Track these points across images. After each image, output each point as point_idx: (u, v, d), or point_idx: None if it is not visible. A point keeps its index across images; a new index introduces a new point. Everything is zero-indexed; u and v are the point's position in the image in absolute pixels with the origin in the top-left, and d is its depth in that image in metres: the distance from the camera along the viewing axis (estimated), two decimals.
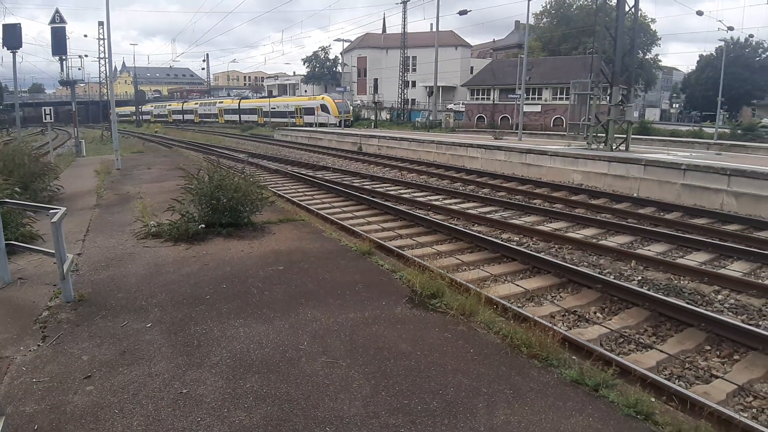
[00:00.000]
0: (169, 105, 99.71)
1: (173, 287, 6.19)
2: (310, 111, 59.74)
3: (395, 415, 3.61)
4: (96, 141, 41.47)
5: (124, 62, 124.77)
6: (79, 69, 33.80)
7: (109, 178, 16.90)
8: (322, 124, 53.75)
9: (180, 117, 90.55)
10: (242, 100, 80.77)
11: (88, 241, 8.61)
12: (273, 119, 65.42)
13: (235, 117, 76.66)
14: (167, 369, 4.24)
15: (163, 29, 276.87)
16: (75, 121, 31.64)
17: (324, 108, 57.43)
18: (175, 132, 58.29)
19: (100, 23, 60.74)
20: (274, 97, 78.60)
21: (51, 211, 5.88)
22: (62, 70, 29.40)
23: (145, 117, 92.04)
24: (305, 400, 3.80)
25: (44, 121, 24.02)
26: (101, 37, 61.53)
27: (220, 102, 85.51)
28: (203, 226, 8.74)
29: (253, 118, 72.47)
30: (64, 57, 26.81)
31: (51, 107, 24.36)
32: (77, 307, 5.59)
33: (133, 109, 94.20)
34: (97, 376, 4.15)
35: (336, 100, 58.12)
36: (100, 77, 68.75)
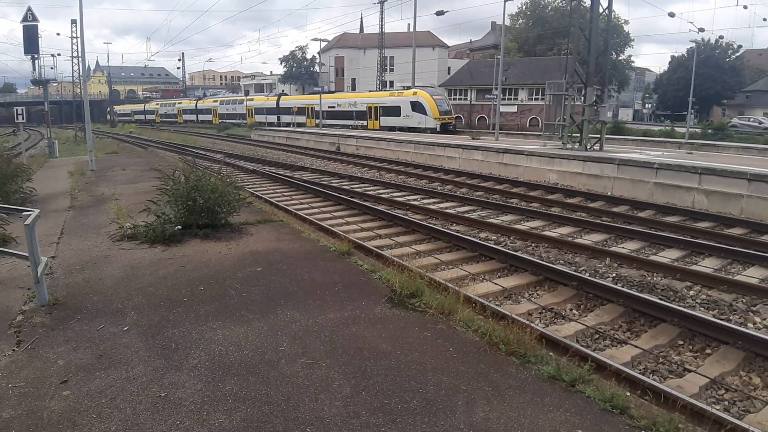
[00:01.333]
0: (198, 102, 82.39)
1: (150, 290, 6.12)
2: (392, 110, 43.12)
3: (376, 415, 3.63)
4: (69, 141, 40.78)
5: (97, 61, 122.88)
6: (52, 68, 33.20)
7: (83, 180, 16.62)
8: (411, 129, 39.18)
9: (222, 115, 74.02)
10: (282, 97, 63.09)
11: (62, 243, 8.46)
12: (328, 120, 49.49)
13: (274, 117, 59.78)
14: (145, 372, 4.20)
15: (136, 28, 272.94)
16: (48, 121, 31.05)
17: (418, 107, 40.80)
18: (150, 132, 57.47)
19: (73, 21, 59.64)
20: (320, 93, 52.15)
21: (24, 213, 5.75)
22: (34, 69, 28.78)
23: (149, 116, 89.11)
24: (285, 401, 3.79)
25: (16, 121, 23.51)
26: (74, 35, 60.35)
27: (249, 100, 69.32)
28: (180, 227, 8.65)
29: (300, 119, 55.82)
30: (36, 56, 26.24)
31: (23, 107, 23.85)
32: (52, 310, 5.50)
33: (134, 107, 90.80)
34: (74, 380, 4.09)
35: (435, 96, 41.55)
36: (73, 76, 67.39)
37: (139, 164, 21.30)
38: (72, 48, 62.99)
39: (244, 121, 66.21)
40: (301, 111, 55.57)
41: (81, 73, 38.99)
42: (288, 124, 54.99)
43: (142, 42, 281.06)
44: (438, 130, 38.63)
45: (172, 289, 6.15)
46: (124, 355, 4.49)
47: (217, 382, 4.05)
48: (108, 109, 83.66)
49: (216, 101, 78.41)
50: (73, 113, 70.33)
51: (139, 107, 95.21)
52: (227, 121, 70.57)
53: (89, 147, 20.47)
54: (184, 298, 5.86)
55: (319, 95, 49.98)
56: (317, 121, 49.69)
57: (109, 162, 22.40)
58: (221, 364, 4.33)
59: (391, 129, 41.32)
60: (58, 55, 79.70)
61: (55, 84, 65.78)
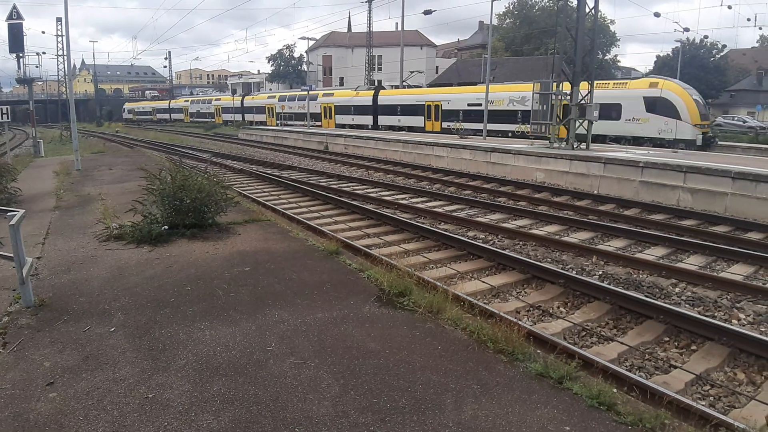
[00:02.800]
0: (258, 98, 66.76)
1: (137, 290, 6.08)
2: (610, 109, 26.78)
3: (364, 414, 3.63)
4: (55, 141, 40.31)
5: (83, 60, 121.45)
6: (37, 67, 32.86)
7: (68, 180, 16.44)
8: (638, 141, 26.47)
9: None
10: (358, 92, 47.62)
11: (48, 244, 8.37)
12: (468, 124, 36.03)
13: (368, 119, 45.31)
14: (132, 374, 4.17)
15: (122, 26, 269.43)
16: (33, 121, 30.70)
17: (662, 106, 26.15)
18: (137, 132, 57.00)
19: (59, 19, 58.76)
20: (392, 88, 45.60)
21: (9, 213, 5.70)
22: (19, 67, 28.43)
23: (176, 115, 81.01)
24: (274, 401, 3.79)
25: (0, 120, 23.20)
26: (59, 33, 59.62)
27: (329, 95, 52.01)
28: (166, 227, 8.59)
29: (391, 121, 42.93)
30: (21, 54, 25.90)
31: (8, 106, 23.52)
32: (38, 312, 5.45)
33: (155, 104, 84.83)
34: (60, 382, 4.05)
35: (689, 91, 27.54)
36: (58, 75, 66.62)
37: (126, 163, 21.12)
38: (57, 46, 62.21)
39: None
40: (413, 109, 41.10)
41: (66, 72, 38.53)
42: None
43: (127, 40, 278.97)
44: (698, 143, 25.00)
45: (159, 289, 6.11)
46: (110, 357, 4.45)
47: (205, 383, 4.03)
48: (108, 108, 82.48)
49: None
50: (59, 112, 69.36)
51: (162, 104, 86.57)
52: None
53: (75, 146, 20.27)
54: (171, 298, 5.82)
55: (418, 90, 43.20)
56: (438, 122, 38.51)
57: (96, 161, 22.18)
58: (209, 365, 4.31)
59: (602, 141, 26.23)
60: (43, 53, 78.68)
61: (40, 83, 64.98)
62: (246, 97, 67.09)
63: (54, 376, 4.14)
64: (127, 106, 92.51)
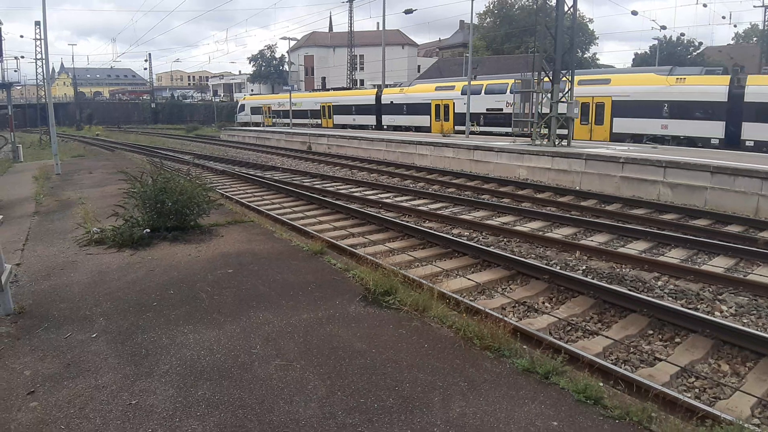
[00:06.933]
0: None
1: (118, 295, 5.97)
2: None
3: (352, 415, 3.60)
4: (34, 145, 39.73)
5: (62, 63, 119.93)
6: (16, 71, 32.34)
7: (48, 184, 16.17)
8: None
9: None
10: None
11: (27, 250, 8.21)
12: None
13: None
14: (115, 380, 4.09)
15: (99, 29, 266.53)
16: (11, 126, 30.24)
17: None
18: (118, 134, 56.27)
19: (37, 23, 57.68)
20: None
21: None
22: None
23: (314, 118, 48.41)
24: (259, 405, 3.74)
25: None
26: (38, 37, 58.53)
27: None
28: (148, 230, 8.48)
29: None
30: None
31: None
32: (17, 319, 5.33)
33: (274, 99, 56.64)
34: (41, 391, 3.96)
35: None
36: (37, 79, 65.34)
37: (106, 167, 20.83)
38: (36, 50, 61.00)
39: None
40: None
41: (45, 76, 37.73)
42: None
43: (105, 43, 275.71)
44: None
45: (141, 293, 6.01)
46: (93, 363, 4.37)
47: (189, 388, 3.96)
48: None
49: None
50: (38, 117, 67.96)
51: (281, 98, 53.63)
52: None
53: (54, 150, 19.98)
54: (154, 302, 5.73)
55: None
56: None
57: (76, 165, 21.84)
58: (193, 369, 4.24)
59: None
60: (22, 57, 77.33)
61: (19, 87, 63.63)
62: (406, 89, 40.74)
63: (35, 385, 4.04)
64: (248, 101, 62.54)
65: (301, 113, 49.80)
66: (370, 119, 41.96)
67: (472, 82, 30.96)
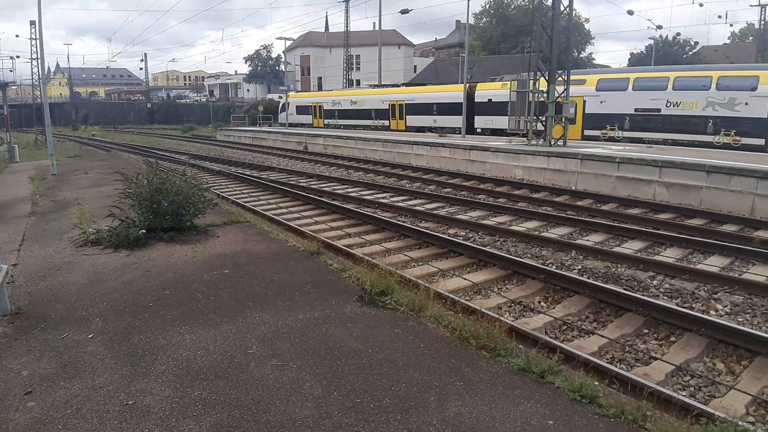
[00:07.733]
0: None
1: (115, 296, 5.97)
2: None
3: (348, 415, 3.61)
4: (30, 146, 39.55)
5: (57, 63, 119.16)
6: (11, 71, 32.18)
7: (44, 185, 16.11)
8: None
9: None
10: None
11: (23, 250, 8.19)
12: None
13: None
14: (111, 380, 4.09)
15: (94, 28, 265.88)
16: (7, 126, 30.08)
17: None
18: (114, 135, 56.13)
19: (32, 23, 57.51)
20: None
21: None
22: None
23: (381, 119, 41.51)
24: (256, 405, 3.74)
25: None
26: (33, 37, 58.30)
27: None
28: (144, 231, 8.47)
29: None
30: None
31: None
32: (14, 320, 5.32)
33: (330, 96, 48.43)
34: (38, 391, 3.96)
35: None
36: (32, 79, 65.10)
37: (102, 167, 20.77)
38: (31, 50, 60.84)
39: None
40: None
41: (41, 76, 37.62)
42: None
43: (101, 43, 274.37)
44: None
45: (138, 294, 6.01)
46: (89, 364, 4.36)
47: (186, 388, 3.97)
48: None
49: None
50: (34, 117, 67.64)
51: (337, 96, 48.27)
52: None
53: (50, 151, 19.91)
54: (150, 303, 5.73)
55: None
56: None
57: (71, 166, 21.76)
58: (189, 370, 4.25)
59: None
60: (17, 57, 76.97)
61: (14, 87, 63.30)
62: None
63: (32, 385, 4.04)
64: (294, 99, 52.49)
65: (362, 113, 42.94)
66: (457, 121, 31.39)
67: (611, 75, 25.49)
